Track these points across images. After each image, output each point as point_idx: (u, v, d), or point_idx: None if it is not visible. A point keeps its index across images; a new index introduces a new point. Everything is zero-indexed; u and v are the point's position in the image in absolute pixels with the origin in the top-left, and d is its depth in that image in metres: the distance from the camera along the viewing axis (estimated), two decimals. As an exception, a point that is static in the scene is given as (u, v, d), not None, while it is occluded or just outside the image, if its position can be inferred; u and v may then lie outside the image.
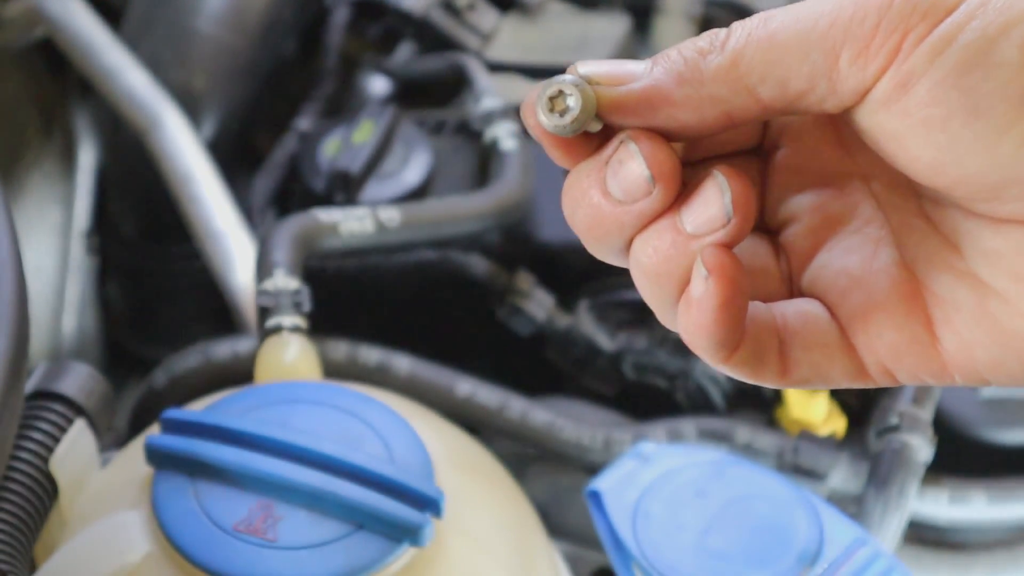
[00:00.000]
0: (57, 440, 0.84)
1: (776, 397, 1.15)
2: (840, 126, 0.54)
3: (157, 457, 0.77)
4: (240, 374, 0.99)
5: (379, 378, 1.02)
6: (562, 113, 0.54)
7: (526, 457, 1.10)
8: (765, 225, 0.57)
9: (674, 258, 0.53)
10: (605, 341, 1.17)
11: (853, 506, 0.98)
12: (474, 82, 1.26)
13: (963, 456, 1.14)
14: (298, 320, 0.93)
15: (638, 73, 0.53)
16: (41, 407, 0.86)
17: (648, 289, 0.55)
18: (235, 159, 1.33)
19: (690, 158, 0.56)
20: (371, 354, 1.03)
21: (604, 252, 0.57)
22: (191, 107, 1.26)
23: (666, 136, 0.53)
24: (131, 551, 0.75)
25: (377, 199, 1.19)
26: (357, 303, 1.22)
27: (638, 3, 1.42)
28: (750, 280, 0.54)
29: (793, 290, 0.56)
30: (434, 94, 1.38)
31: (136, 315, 1.41)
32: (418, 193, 1.21)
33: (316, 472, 0.75)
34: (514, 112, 1.22)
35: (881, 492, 0.93)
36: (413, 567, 0.75)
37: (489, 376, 1.06)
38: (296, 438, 0.76)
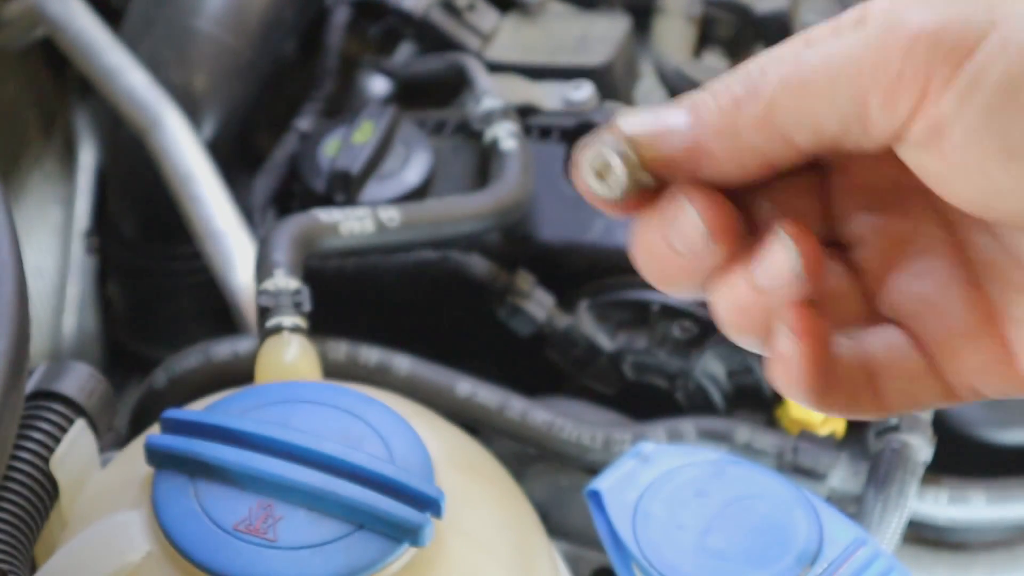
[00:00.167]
0: (57, 440, 0.84)
1: (776, 397, 1.15)
2: None
3: (157, 457, 0.77)
4: (240, 374, 0.99)
5: (379, 378, 1.02)
6: (610, 180, 0.54)
7: (526, 457, 1.11)
8: (835, 241, 0.57)
9: (751, 309, 0.54)
10: (605, 341, 1.17)
11: (853, 506, 0.98)
12: (474, 82, 1.26)
13: (963, 456, 1.14)
14: (298, 320, 0.93)
15: (678, 127, 0.53)
16: (41, 407, 0.86)
17: (732, 334, 0.55)
18: (235, 159, 1.33)
19: (752, 187, 0.55)
20: (371, 354, 1.03)
21: (683, 295, 0.57)
22: (191, 107, 1.26)
23: (717, 185, 0.53)
24: (131, 551, 0.75)
25: (377, 199, 1.19)
26: (357, 303, 1.22)
27: (638, 3, 1.42)
28: (830, 305, 0.54)
29: (871, 312, 0.56)
30: (434, 94, 1.38)
31: (136, 315, 1.41)
32: (418, 193, 1.21)
33: (316, 472, 0.75)
34: (514, 112, 1.22)
35: (881, 492, 0.93)
36: (413, 567, 0.75)
37: (489, 376, 1.06)
38: (296, 438, 0.76)
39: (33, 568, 0.82)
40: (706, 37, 1.39)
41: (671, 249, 0.56)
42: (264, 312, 0.94)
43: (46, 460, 0.83)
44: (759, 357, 1.13)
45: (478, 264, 1.17)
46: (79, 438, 0.85)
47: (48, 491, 0.83)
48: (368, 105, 1.27)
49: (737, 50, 1.40)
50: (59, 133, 1.60)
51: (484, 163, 1.22)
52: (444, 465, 0.80)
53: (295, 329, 0.92)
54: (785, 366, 0.53)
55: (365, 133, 1.22)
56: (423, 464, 0.78)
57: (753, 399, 1.17)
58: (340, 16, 1.40)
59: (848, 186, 0.56)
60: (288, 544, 0.73)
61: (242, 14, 1.32)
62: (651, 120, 0.55)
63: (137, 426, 1.03)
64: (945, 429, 1.12)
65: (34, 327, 0.80)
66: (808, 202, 0.56)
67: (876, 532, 0.92)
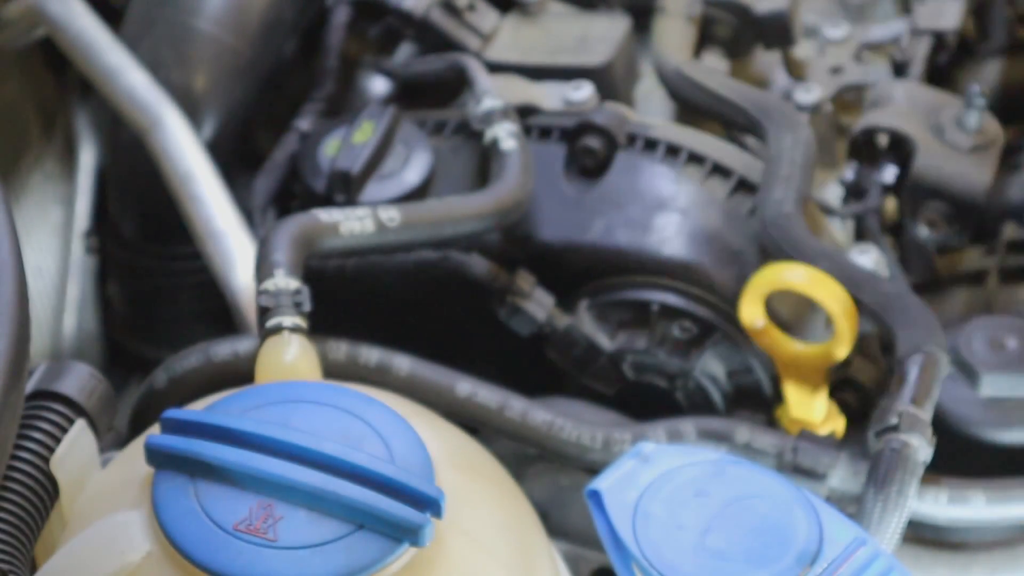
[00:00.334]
0: (58, 440, 0.85)
1: (776, 397, 1.15)
2: None
3: (157, 457, 0.77)
4: (240, 374, 0.99)
5: (379, 378, 1.02)
6: None
7: (526, 457, 1.11)
8: None
9: None
10: (605, 341, 1.17)
11: (852, 506, 0.98)
12: (474, 82, 1.26)
13: (962, 456, 1.14)
14: (298, 320, 0.93)
15: None
16: (42, 407, 0.86)
17: None
18: (235, 159, 1.33)
19: None
20: (371, 354, 1.03)
21: None
22: (191, 107, 1.27)
23: None
24: (131, 551, 0.75)
25: (377, 199, 1.19)
26: (357, 303, 1.22)
27: (638, 3, 1.42)
28: None
29: None
30: (434, 94, 1.38)
31: (136, 315, 1.42)
32: (418, 193, 1.21)
33: (316, 472, 0.75)
34: (514, 112, 1.22)
35: (880, 492, 0.93)
36: (413, 567, 0.75)
37: (489, 376, 1.06)
38: (296, 438, 0.76)
39: (33, 568, 0.82)
40: (706, 37, 1.39)
41: None
42: (264, 312, 0.94)
43: (46, 460, 0.84)
44: (759, 357, 1.14)
45: (478, 264, 1.17)
46: (79, 438, 0.85)
47: (48, 491, 0.83)
48: (368, 105, 1.27)
49: (737, 50, 1.40)
50: (59, 133, 1.60)
51: (484, 163, 1.22)
52: (444, 465, 0.80)
53: (295, 329, 0.92)
54: None
55: (365, 133, 1.22)
56: (423, 464, 0.78)
57: (753, 399, 1.17)
58: (340, 16, 1.40)
59: None
60: (288, 544, 0.73)
61: (242, 14, 1.32)
62: None
63: (137, 426, 1.04)
64: (945, 429, 1.12)
65: (34, 327, 0.80)
66: None
67: (876, 532, 0.92)
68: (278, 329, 0.92)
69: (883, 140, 1.29)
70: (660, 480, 0.87)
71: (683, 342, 1.16)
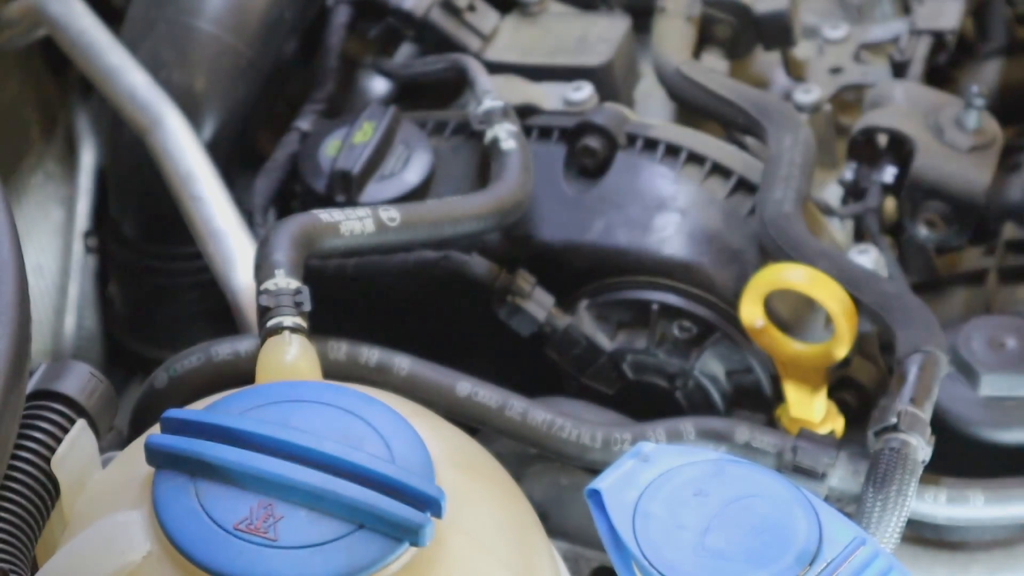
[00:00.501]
0: (58, 440, 0.85)
1: (776, 396, 1.15)
2: None
3: (158, 457, 0.77)
4: (241, 374, 0.99)
5: (379, 378, 1.03)
6: None
7: (526, 457, 1.11)
8: None
9: None
10: (605, 341, 1.17)
11: (852, 505, 0.98)
12: (475, 83, 1.26)
13: (961, 456, 1.14)
14: (299, 320, 0.93)
15: None
16: (42, 407, 0.86)
17: None
18: (236, 159, 1.33)
19: None
20: (371, 354, 1.03)
21: None
22: (192, 107, 1.27)
23: None
24: (132, 551, 0.75)
25: (377, 199, 1.19)
26: (357, 303, 1.22)
27: (638, 3, 1.42)
28: None
29: None
30: (434, 95, 1.39)
31: (137, 315, 1.42)
32: (418, 193, 1.21)
33: (317, 472, 0.75)
34: (514, 112, 1.22)
35: (880, 491, 0.93)
36: (413, 567, 0.75)
37: (489, 376, 1.06)
38: (297, 438, 0.76)
39: (34, 567, 0.82)
40: (705, 38, 1.39)
41: None
42: (265, 312, 0.94)
43: (47, 460, 0.84)
44: (759, 356, 1.14)
45: (478, 264, 1.17)
46: (80, 438, 0.85)
47: (49, 491, 0.83)
48: (369, 106, 1.27)
49: (736, 51, 1.41)
50: (60, 133, 1.60)
51: (484, 163, 1.22)
52: (444, 465, 0.80)
53: (295, 329, 0.93)
54: None
55: (365, 133, 1.22)
56: (423, 464, 0.78)
57: (753, 399, 1.17)
58: (341, 17, 1.40)
59: None
60: (289, 544, 0.73)
61: (243, 15, 1.32)
62: None
63: (138, 426, 1.04)
64: (944, 429, 1.12)
65: (35, 327, 0.80)
66: None
67: (875, 531, 0.92)
68: (278, 329, 0.92)
69: (882, 140, 1.29)
70: (660, 480, 0.87)
71: (683, 342, 1.16)
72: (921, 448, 0.95)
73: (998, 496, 0.99)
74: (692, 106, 1.29)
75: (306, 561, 0.73)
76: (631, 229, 1.17)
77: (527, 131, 1.23)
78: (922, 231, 1.25)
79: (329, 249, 1.03)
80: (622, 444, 1.03)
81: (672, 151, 1.21)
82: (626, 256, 1.16)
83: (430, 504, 0.75)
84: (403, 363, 1.04)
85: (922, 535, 1.04)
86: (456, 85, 1.36)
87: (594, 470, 0.97)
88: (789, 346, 1.04)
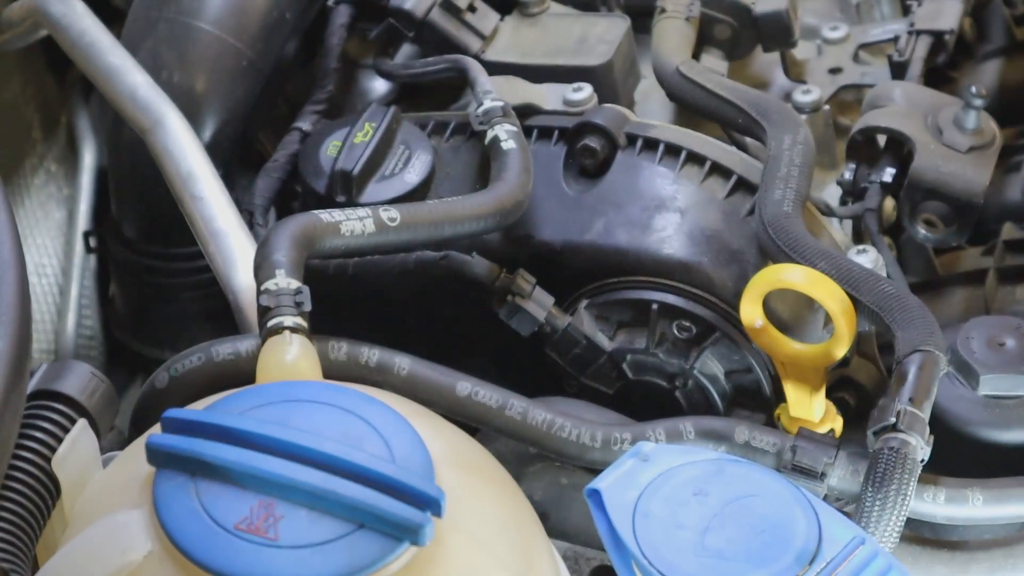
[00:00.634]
0: (59, 440, 0.85)
1: (775, 396, 1.15)
2: None
3: (158, 457, 0.77)
4: (242, 374, 1.00)
5: (379, 378, 1.03)
6: None
7: (526, 457, 1.11)
8: None
9: None
10: (605, 341, 1.18)
11: (851, 505, 0.99)
12: (475, 83, 1.26)
13: (960, 455, 1.14)
14: (299, 320, 0.93)
15: None
16: (43, 407, 0.87)
17: None
18: (236, 159, 1.33)
19: None
20: (371, 354, 1.03)
21: None
22: (192, 108, 1.27)
23: None
24: (132, 550, 0.75)
25: (378, 199, 1.19)
26: (358, 303, 1.22)
27: (637, 4, 1.42)
28: None
29: None
30: (435, 95, 1.39)
31: (138, 315, 1.42)
32: (418, 193, 1.21)
33: (317, 471, 0.75)
34: (514, 112, 1.22)
35: (879, 491, 0.93)
36: (414, 566, 0.75)
37: (489, 376, 1.06)
38: (297, 437, 0.76)
39: (35, 567, 0.83)
40: (705, 38, 1.39)
41: None
42: (265, 312, 0.94)
43: (48, 459, 0.84)
44: (758, 356, 1.14)
45: (478, 264, 1.17)
46: (80, 438, 0.86)
47: (50, 490, 0.84)
48: (369, 106, 1.27)
49: (736, 51, 1.41)
50: (61, 133, 1.61)
51: (484, 163, 1.22)
52: (444, 465, 0.80)
53: (296, 329, 0.93)
54: None
55: (366, 134, 1.22)
56: (423, 464, 0.78)
57: (752, 398, 1.17)
58: (341, 17, 1.40)
59: None
60: (289, 543, 0.74)
61: (244, 15, 1.32)
62: None
63: (138, 425, 1.04)
64: (943, 428, 1.13)
65: (36, 327, 0.80)
66: None
67: (874, 531, 0.92)
68: (279, 329, 0.93)
69: (882, 140, 1.29)
70: (660, 479, 0.87)
71: (682, 342, 1.16)
72: (920, 448, 0.95)
73: (997, 496, 0.99)
74: (691, 107, 1.29)
75: (306, 561, 0.73)
76: (631, 229, 1.17)
77: (527, 131, 1.23)
78: (921, 231, 1.25)
79: (329, 249, 1.03)
80: (622, 444, 1.03)
81: (672, 151, 1.21)
82: (626, 256, 1.16)
83: (430, 504, 0.75)
84: (403, 363, 1.04)
85: (921, 535, 1.04)
86: (456, 86, 1.36)
87: (594, 470, 0.97)
88: (788, 346, 1.04)
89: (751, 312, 1.04)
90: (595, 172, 1.21)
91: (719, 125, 1.30)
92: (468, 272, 1.17)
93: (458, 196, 1.14)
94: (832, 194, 1.34)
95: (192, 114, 1.25)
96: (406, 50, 1.43)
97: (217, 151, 1.26)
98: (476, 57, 1.33)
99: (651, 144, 1.22)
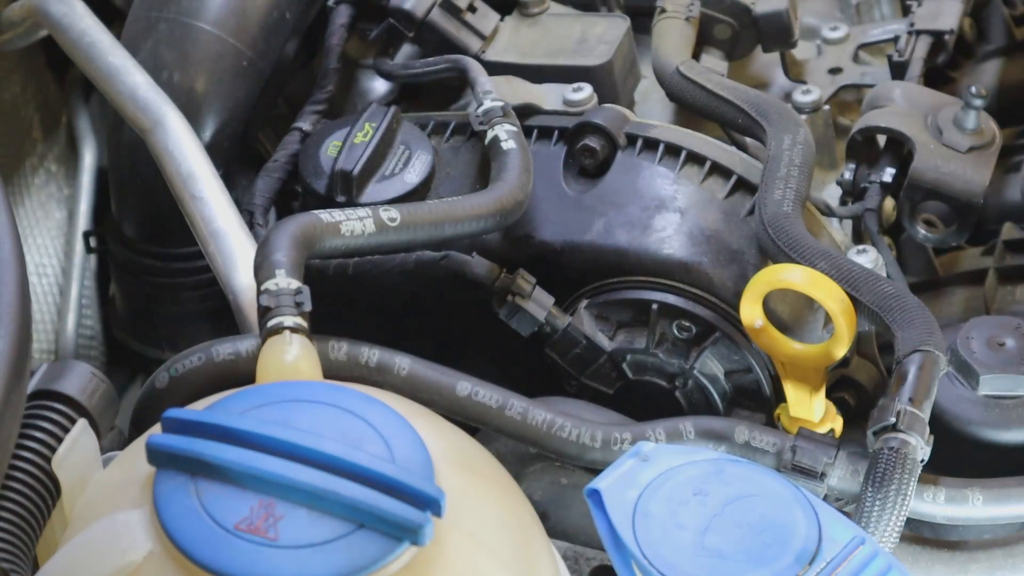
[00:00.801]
0: (59, 440, 0.85)
1: (775, 396, 1.15)
2: None
3: (158, 456, 0.77)
4: (242, 374, 1.00)
5: (379, 378, 1.03)
6: None
7: (526, 457, 1.11)
8: None
9: None
10: (605, 341, 1.18)
11: (851, 505, 0.99)
12: (475, 83, 1.26)
13: (960, 455, 1.14)
14: (299, 320, 0.93)
15: None
16: (43, 407, 0.87)
17: None
18: (236, 159, 1.33)
19: None
20: (371, 354, 1.03)
21: None
22: (193, 108, 1.27)
23: None
24: (133, 550, 0.75)
25: (378, 199, 1.19)
26: (358, 303, 1.22)
27: (637, 4, 1.42)
28: None
29: None
30: (435, 95, 1.39)
31: (138, 315, 1.42)
32: (418, 193, 1.21)
33: (317, 471, 0.75)
34: (514, 112, 1.22)
35: (879, 491, 0.93)
36: (414, 566, 0.75)
37: (489, 376, 1.06)
38: (297, 437, 0.76)
39: (35, 567, 0.83)
40: (705, 38, 1.39)
41: None
42: (265, 312, 0.94)
43: (48, 459, 0.84)
44: (758, 356, 1.14)
45: (478, 264, 1.17)
46: (81, 438, 0.86)
47: (50, 490, 0.84)
48: (369, 106, 1.27)
49: (736, 51, 1.41)
50: (61, 133, 1.61)
51: (484, 163, 1.22)
52: (444, 465, 0.80)
53: (296, 329, 0.93)
54: None
55: (366, 134, 1.22)
56: (423, 464, 0.78)
57: (752, 398, 1.17)
58: (341, 18, 1.40)
59: None
60: (289, 543, 0.74)
61: (244, 16, 1.32)
62: None
63: (139, 425, 1.04)
64: (943, 428, 1.13)
65: (36, 327, 0.80)
66: None
67: (874, 531, 0.92)
68: (279, 329, 0.93)
69: (881, 140, 1.29)
70: (659, 479, 0.87)
71: (682, 342, 1.16)
72: (920, 448, 0.95)
73: (997, 496, 0.99)
74: (691, 107, 1.29)
75: (306, 561, 0.73)
76: (631, 229, 1.17)
77: (527, 131, 1.23)
78: (921, 231, 1.25)
79: (330, 249, 1.03)
80: (622, 444, 1.03)
81: (672, 151, 1.21)
82: (626, 256, 1.16)
83: (430, 504, 0.75)
84: (403, 363, 1.04)
85: (921, 534, 1.04)
86: (456, 86, 1.36)
87: (594, 470, 0.97)
88: (788, 346, 1.04)
89: (751, 312, 1.04)
90: (595, 172, 1.21)
91: (719, 125, 1.30)
92: (468, 272, 1.17)
93: (458, 196, 1.14)
94: (832, 194, 1.34)
95: (192, 114, 1.25)
96: (406, 50, 1.43)
97: (217, 151, 1.27)
98: (476, 57, 1.33)
99: (651, 144, 1.22)
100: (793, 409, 1.05)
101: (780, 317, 1.13)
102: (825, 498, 1.00)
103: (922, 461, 0.95)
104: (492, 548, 0.81)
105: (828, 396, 1.07)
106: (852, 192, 1.29)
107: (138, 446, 0.82)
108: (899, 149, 1.27)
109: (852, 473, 0.99)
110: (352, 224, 1.03)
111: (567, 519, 1.12)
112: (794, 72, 1.44)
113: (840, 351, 1.03)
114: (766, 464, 1.00)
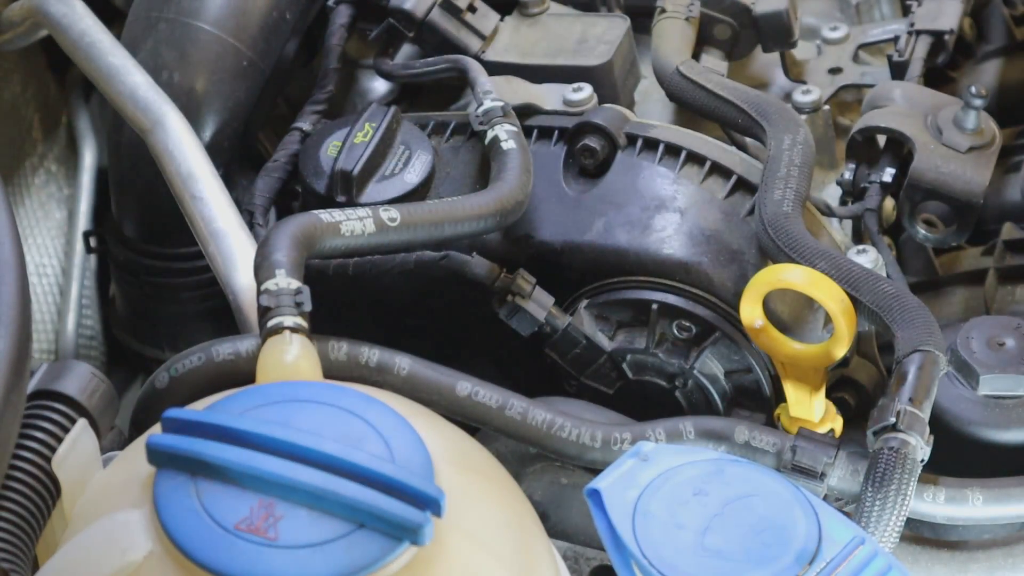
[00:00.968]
0: (59, 440, 0.85)
1: (775, 396, 1.15)
2: None
3: (159, 456, 0.77)
4: (242, 374, 1.00)
5: (379, 378, 1.03)
6: None
7: (526, 457, 1.11)
8: None
9: None
10: (605, 341, 1.18)
11: (851, 505, 0.99)
12: (475, 83, 1.26)
13: (960, 455, 1.14)
14: (299, 320, 0.93)
15: None
16: (43, 407, 0.87)
17: None
18: (236, 159, 1.33)
19: None
20: (371, 354, 1.03)
21: None
22: (193, 108, 1.27)
23: None
24: (133, 550, 0.75)
25: (378, 199, 1.19)
26: (358, 303, 1.22)
27: (637, 4, 1.42)
28: None
29: None
30: (435, 95, 1.39)
31: (138, 315, 1.42)
32: (418, 193, 1.21)
33: (317, 471, 0.75)
34: (514, 112, 1.22)
35: (879, 491, 0.93)
36: (414, 566, 0.75)
37: (489, 376, 1.06)
38: (297, 437, 0.76)
39: (35, 567, 0.83)
40: (705, 38, 1.39)
41: None
42: (265, 312, 0.94)
43: (48, 459, 0.84)
44: (758, 356, 1.14)
45: (478, 264, 1.17)
46: (81, 437, 0.86)
47: (50, 490, 0.84)
48: (369, 106, 1.27)
49: (736, 52, 1.41)
50: (61, 133, 1.61)
51: (484, 163, 1.22)
52: (444, 465, 0.80)
53: (296, 329, 0.93)
54: None
55: (366, 134, 1.22)
56: (423, 463, 0.78)
57: (752, 398, 1.17)
58: (341, 17, 1.40)
59: None
60: (289, 543, 0.74)
61: (244, 16, 1.32)
62: None
63: (139, 425, 1.04)
64: (943, 428, 1.13)
65: (36, 327, 0.80)
66: None
67: (874, 531, 0.92)
68: (279, 329, 0.93)
69: (881, 140, 1.29)
70: (660, 479, 0.87)
71: (682, 342, 1.16)
72: (920, 448, 0.95)
73: (997, 496, 0.99)
74: (691, 107, 1.29)
75: (306, 561, 0.73)
76: (631, 229, 1.17)
77: (527, 131, 1.24)
78: (921, 231, 1.25)
79: (330, 249, 1.03)
80: (622, 444, 1.03)
81: (672, 151, 1.21)
82: (626, 256, 1.16)
83: (430, 503, 0.75)
84: (403, 363, 1.04)
85: (921, 534, 1.04)
86: (456, 86, 1.36)
87: (594, 470, 0.97)
88: (788, 346, 1.04)
89: (751, 312, 1.04)
90: (595, 172, 1.21)
91: (719, 125, 1.30)
92: (468, 272, 1.17)
93: (458, 196, 1.14)
94: (832, 194, 1.34)
95: (192, 114, 1.25)
96: (406, 50, 1.43)
97: (217, 151, 1.27)
98: (476, 57, 1.33)
99: (651, 144, 1.22)
100: (793, 409, 1.05)
101: (780, 317, 1.13)
102: (825, 498, 1.00)
103: (922, 461, 0.95)
104: (492, 548, 0.81)
105: (828, 396, 1.07)
106: (852, 192, 1.29)
107: (138, 446, 0.82)
108: (899, 149, 1.27)
109: (852, 473, 0.99)
110: (352, 224, 1.03)
111: (567, 519, 1.12)
112: (794, 72, 1.44)
113: (840, 351, 1.03)
114: (766, 464, 1.00)
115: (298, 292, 0.95)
